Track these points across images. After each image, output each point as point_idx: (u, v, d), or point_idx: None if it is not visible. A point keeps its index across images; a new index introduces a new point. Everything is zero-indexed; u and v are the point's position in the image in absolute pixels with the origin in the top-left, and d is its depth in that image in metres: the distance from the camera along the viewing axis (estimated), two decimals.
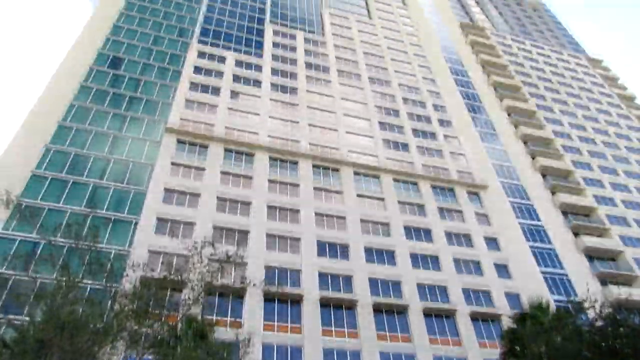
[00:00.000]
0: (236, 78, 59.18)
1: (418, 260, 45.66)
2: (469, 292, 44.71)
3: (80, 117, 46.23)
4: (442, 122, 65.28)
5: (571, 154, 69.25)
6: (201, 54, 60.60)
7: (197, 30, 64.74)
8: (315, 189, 48.85)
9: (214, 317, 34.09)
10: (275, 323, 37.06)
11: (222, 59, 61.19)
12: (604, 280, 52.68)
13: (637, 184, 68.08)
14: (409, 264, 44.86)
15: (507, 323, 35.01)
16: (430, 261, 46.10)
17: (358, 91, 65.66)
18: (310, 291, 39.48)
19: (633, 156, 74.10)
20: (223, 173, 46.73)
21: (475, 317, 42.66)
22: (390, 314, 40.74)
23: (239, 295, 37.09)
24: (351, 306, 40.06)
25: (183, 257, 36.25)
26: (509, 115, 73.77)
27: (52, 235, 24.46)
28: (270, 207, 45.18)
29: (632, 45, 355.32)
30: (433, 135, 62.32)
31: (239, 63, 61.85)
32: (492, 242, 50.34)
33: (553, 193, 61.68)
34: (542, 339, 26.19)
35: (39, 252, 31.22)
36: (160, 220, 40.23)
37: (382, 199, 50.62)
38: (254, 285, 33.39)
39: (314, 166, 51.18)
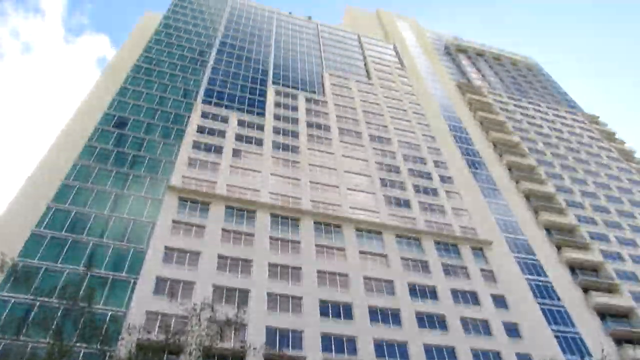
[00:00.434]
0: (238, 137, 60.16)
1: (424, 321, 44.26)
2: (479, 354, 42.94)
3: (83, 176, 46.59)
4: (443, 179, 65.56)
5: (574, 209, 68.88)
6: (205, 114, 61.97)
7: (202, 90, 66.64)
8: (317, 246, 48.26)
9: None
10: None
11: (225, 119, 62.50)
12: (619, 340, 50.82)
13: None
14: (415, 325, 43.39)
15: None
16: (437, 322, 44.65)
17: (359, 149, 66.47)
18: (314, 356, 37.93)
19: (638, 210, 73.65)
20: (224, 231, 46.35)
21: None
22: None
23: (239, 359, 35.60)
24: None
25: (182, 319, 35.37)
26: (509, 170, 74.25)
27: (47, 296, 23.82)
28: (271, 266, 44.41)
29: (627, 100, 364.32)
30: (434, 192, 62.34)
31: (241, 122, 63.09)
32: (500, 300, 49.01)
33: (558, 248, 60.80)
34: None
35: (32, 315, 30.23)
36: (160, 280, 39.34)
37: (385, 256, 49.83)
38: (254, 349, 32.14)
39: (315, 224, 50.84)
